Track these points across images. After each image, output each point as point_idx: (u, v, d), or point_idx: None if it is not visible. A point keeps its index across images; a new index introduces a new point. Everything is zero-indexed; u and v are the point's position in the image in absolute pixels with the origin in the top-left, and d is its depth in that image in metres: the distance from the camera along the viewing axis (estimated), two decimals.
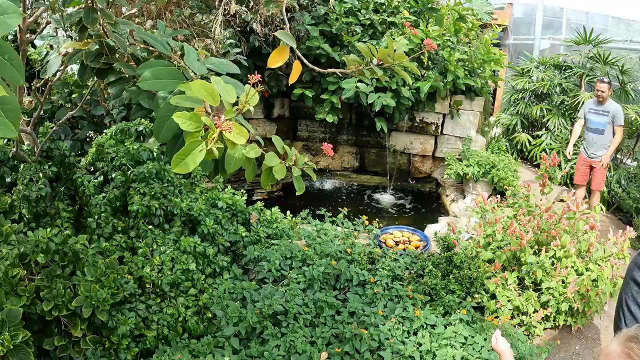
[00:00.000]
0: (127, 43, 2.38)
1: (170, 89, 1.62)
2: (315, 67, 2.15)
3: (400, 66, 2.06)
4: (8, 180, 4.18)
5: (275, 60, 1.71)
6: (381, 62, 2.06)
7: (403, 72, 2.08)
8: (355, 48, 6.38)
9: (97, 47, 2.40)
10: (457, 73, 6.82)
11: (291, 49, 1.83)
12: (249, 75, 1.50)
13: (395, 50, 2.00)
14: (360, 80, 6.08)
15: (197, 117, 1.37)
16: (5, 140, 4.18)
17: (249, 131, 1.66)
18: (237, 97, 1.49)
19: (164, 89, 1.63)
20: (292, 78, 1.71)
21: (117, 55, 2.43)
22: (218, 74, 1.78)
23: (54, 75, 4.37)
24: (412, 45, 6.30)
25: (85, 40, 2.51)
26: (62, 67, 3.25)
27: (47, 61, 2.98)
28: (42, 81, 4.05)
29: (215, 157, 1.39)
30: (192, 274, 3.80)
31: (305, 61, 2.02)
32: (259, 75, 1.50)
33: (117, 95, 2.37)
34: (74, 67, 7.08)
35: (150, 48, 2.25)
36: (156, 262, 3.75)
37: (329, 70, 2.31)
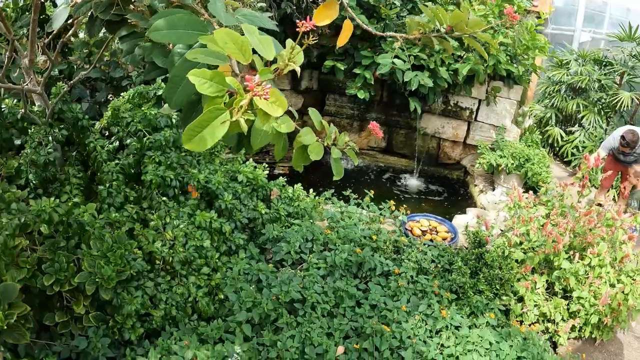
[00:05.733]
0: None
1: (188, 42, 1.32)
2: (372, 30, 1.81)
3: (473, 36, 1.71)
4: (17, 142, 3.95)
5: (323, 16, 1.38)
6: (451, 30, 1.71)
7: (477, 44, 1.73)
8: (392, 22, 6.02)
9: None
10: (498, 57, 6.41)
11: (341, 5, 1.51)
12: (297, 22, 1.18)
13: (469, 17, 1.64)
14: (396, 56, 5.71)
15: (221, 76, 1.07)
16: (15, 100, 3.93)
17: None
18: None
19: (181, 42, 1.33)
20: (342, 40, 1.40)
21: (131, 7, 2.13)
22: None
23: (66, 30, 4.09)
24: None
25: None
26: (70, 20, 2.96)
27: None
28: (51, 36, 3.76)
29: (241, 131, 1.09)
30: (205, 252, 3.55)
31: (359, 20, 1.69)
32: (312, 22, 1.17)
33: (128, 51, 2.08)
34: None
35: None
36: (168, 237, 3.50)
37: (389, 34, 1.95)
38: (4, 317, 2.61)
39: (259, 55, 1.14)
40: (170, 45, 1.81)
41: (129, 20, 2.16)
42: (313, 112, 1.79)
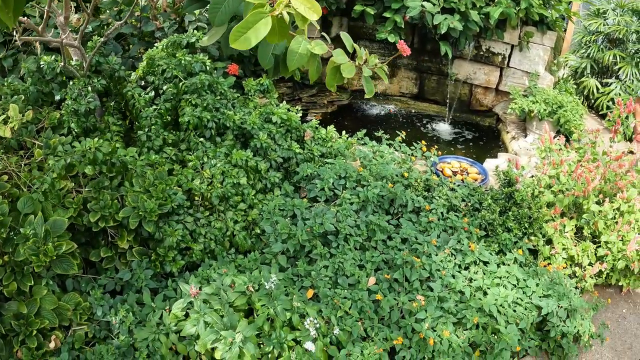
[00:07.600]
0: None
1: None
2: None
3: None
4: (57, 97, 4.11)
5: None
6: None
7: None
8: None
9: None
10: (531, 1, 6.31)
11: None
12: None
13: None
14: None
15: None
16: (53, 56, 4.07)
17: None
18: None
19: None
20: None
21: None
22: None
23: None
24: None
25: None
26: None
27: None
28: None
29: (281, 39, 1.19)
30: (242, 189, 3.71)
31: None
32: None
33: None
34: None
35: None
36: (206, 175, 3.66)
37: None
38: (53, 248, 2.83)
39: None
40: None
41: None
42: (344, 36, 1.88)
